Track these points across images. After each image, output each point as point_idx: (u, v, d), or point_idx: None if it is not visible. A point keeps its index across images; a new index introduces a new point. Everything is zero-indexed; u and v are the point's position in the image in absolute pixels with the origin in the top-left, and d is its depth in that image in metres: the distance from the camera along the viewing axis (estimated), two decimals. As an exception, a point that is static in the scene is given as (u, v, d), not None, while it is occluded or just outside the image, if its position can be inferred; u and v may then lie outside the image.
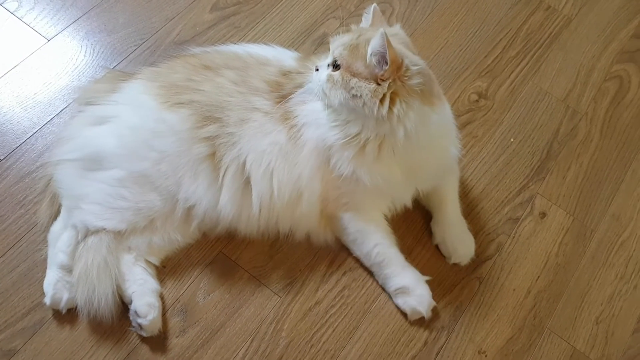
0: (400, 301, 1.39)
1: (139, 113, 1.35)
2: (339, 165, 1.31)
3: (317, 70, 1.31)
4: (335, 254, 1.46)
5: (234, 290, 1.40)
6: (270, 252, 1.45)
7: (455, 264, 1.48)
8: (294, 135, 1.34)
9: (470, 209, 1.55)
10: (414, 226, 1.52)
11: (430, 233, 1.51)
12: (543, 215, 1.59)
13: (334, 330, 1.38)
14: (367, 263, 1.42)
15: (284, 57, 1.44)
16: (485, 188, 1.61)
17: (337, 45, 1.28)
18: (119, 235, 1.33)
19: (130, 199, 1.32)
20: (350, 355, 1.36)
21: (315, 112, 1.33)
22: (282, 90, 1.37)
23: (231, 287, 1.40)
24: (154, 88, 1.37)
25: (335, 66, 1.26)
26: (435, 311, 1.40)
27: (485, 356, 1.39)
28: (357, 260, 1.45)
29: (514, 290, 1.47)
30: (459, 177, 1.53)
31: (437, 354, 1.38)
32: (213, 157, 1.33)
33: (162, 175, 1.32)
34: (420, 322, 1.40)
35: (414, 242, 1.50)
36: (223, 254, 1.44)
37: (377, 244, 1.39)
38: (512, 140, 1.69)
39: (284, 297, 1.40)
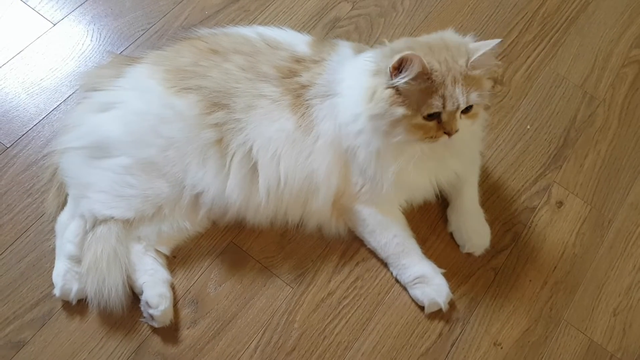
0: (418, 292, 1.37)
1: (145, 98, 1.32)
2: (366, 169, 1.31)
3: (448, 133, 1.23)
4: (348, 244, 1.44)
5: (245, 280, 1.38)
6: (282, 242, 1.43)
7: (469, 254, 1.45)
8: (305, 125, 1.32)
9: (486, 197, 1.53)
10: (429, 215, 1.50)
11: (445, 222, 1.49)
12: (560, 204, 1.56)
13: (347, 322, 1.36)
14: (383, 254, 1.40)
15: (296, 41, 1.40)
16: (501, 176, 1.57)
17: (459, 92, 1.19)
18: (127, 225, 1.32)
19: (138, 187, 1.30)
20: (363, 346, 1.34)
21: (337, 109, 1.31)
22: (296, 77, 1.34)
23: (242, 277, 1.38)
24: (160, 72, 1.34)
25: (466, 108, 1.24)
26: (450, 303, 1.38)
27: (501, 348, 1.37)
28: (370, 251, 1.43)
29: (530, 281, 1.45)
30: (480, 166, 1.51)
31: (452, 345, 1.36)
32: (220, 143, 1.30)
33: (169, 162, 1.29)
34: (435, 313, 1.38)
35: (428, 232, 1.47)
36: (234, 244, 1.42)
37: (396, 234, 1.38)
38: (528, 127, 1.66)
39: (296, 288, 1.38)
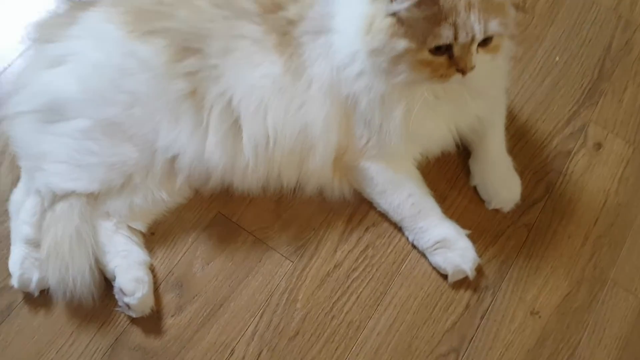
0: (440, 259, 1.24)
1: (103, 47, 1.19)
2: (371, 119, 1.17)
3: (462, 71, 1.08)
4: (355, 207, 1.31)
5: (237, 257, 1.26)
6: (278, 209, 1.30)
7: (497, 210, 1.32)
8: (294, 69, 1.18)
9: (513, 143, 1.38)
10: (448, 168, 1.36)
11: (467, 175, 1.35)
12: (598, 146, 1.42)
13: (358, 297, 1.24)
14: (397, 217, 1.28)
15: (281, -33, 1.25)
16: (529, 118, 1.43)
17: (474, 19, 1.03)
18: (92, 199, 1.20)
19: (100, 153, 1.18)
20: (378, 325, 1.22)
21: (332, 48, 1.16)
22: (282, 11, 1.19)
23: (233, 253, 1.26)
24: (119, 14, 1.20)
25: (484, 41, 1.07)
26: (477, 268, 1.24)
27: (539, 317, 1.24)
28: (381, 214, 1.30)
29: (569, 237, 1.32)
30: (506, 106, 1.36)
31: (482, 318, 1.23)
32: (194, 95, 1.18)
33: (135, 122, 1.17)
34: (460, 282, 1.25)
35: (447, 187, 1.34)
36: (222, 215, 1.29)
37: (410, 194, 1.25)
38: (557, 59, 1.52)
39: (297, 262, 1.26)
